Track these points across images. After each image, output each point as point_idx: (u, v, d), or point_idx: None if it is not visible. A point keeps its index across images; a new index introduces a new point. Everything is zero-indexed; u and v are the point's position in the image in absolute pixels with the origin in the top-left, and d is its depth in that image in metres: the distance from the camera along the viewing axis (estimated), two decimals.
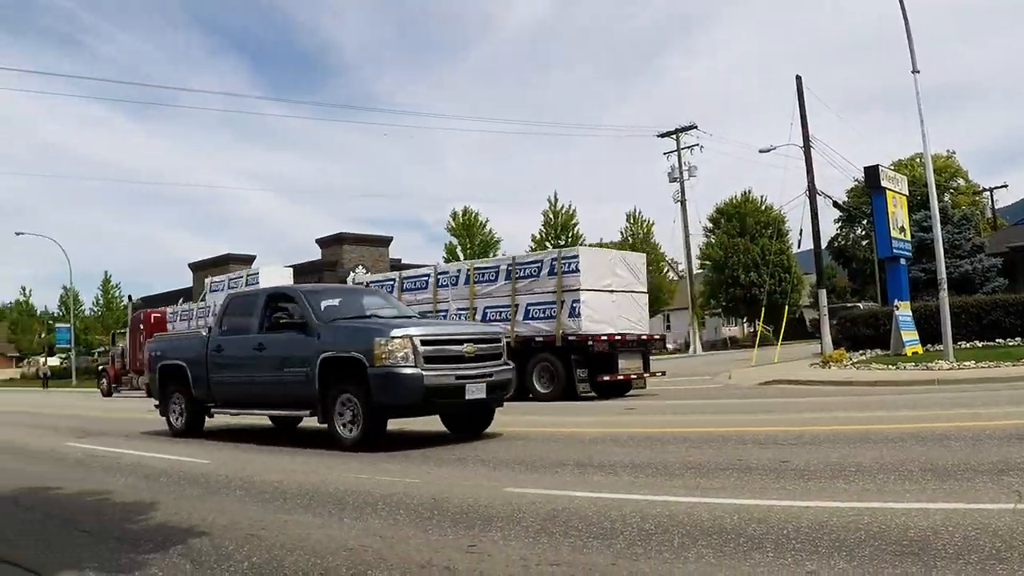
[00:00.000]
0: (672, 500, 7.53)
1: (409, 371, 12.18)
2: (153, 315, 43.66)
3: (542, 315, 24.16)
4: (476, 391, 12.85)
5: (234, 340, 15.27)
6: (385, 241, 66.22)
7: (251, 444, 14.75)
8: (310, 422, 14.25)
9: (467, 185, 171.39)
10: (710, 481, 8.46)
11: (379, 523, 7.40)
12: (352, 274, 57.82)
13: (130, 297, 68.65)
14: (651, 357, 26.53)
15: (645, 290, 26.28)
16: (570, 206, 65.93)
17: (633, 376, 23.98)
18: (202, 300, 40.17)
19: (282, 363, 13.97)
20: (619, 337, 23.60)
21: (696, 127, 58.64)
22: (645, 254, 31.83)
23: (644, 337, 25.01)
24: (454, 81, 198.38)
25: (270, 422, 17.88)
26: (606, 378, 23.14)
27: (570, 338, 23.31)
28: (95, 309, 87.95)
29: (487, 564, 5.73)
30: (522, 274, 25.04)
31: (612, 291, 24.47)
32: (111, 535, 7.46)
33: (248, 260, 71.87)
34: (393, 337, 12.26)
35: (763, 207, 69.15)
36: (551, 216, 65.51)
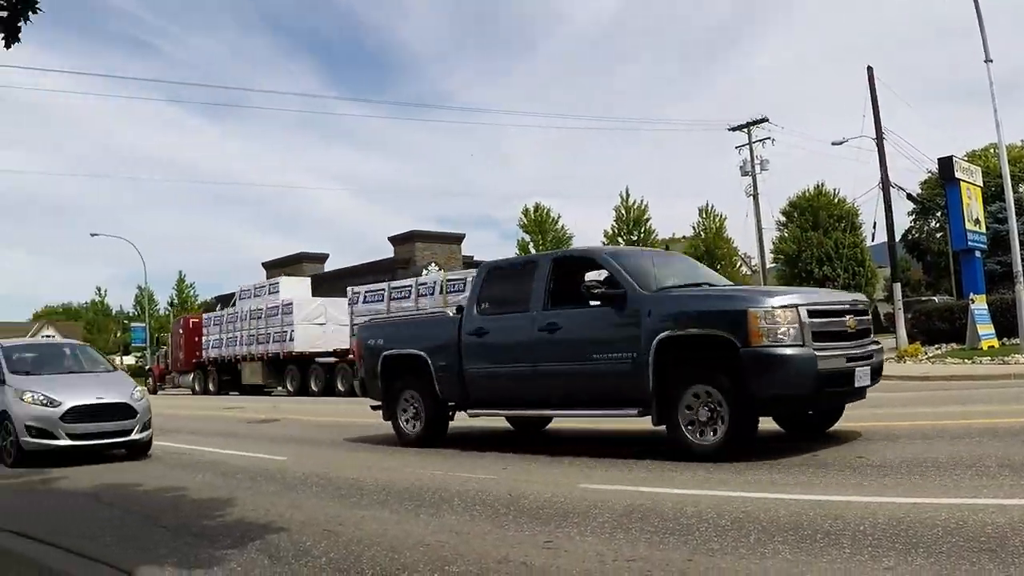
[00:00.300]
0: (748, 496, 7.51)
1: (799, 352, 9.41)
2: (191, 320, 46.90)
3: None
4: (863, 377, 10.18)
5: (505, 321, 12.22)
6: (457, 238, 66.21)
7: (326, 441, 14.90)
8: (379, 422, 13.84)
9: (538, 181, 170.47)
10: (785, 477, 8.41)
11: (455, 519, 7.48)
12: (425, 271, 58.12)
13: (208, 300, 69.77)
14: None
15: None
16: (642, 201, 65.42)
17: None
18: (232, 307, 42.45)
19: (589, 348, 10.98)
20: None
21: (768, 120, 57.80)
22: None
23: None
24: (523, 77, 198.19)
25: (508, 424, 15.03)
26: None
27: None
28: (170, 309, 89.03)
29: (563, 559, 5.77)
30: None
31: None
32: (189, 531, 7.62)
33: (321, 259, 72.50)
34: (775, 307, 9.54)
35: (836, 200, 68.13)
36: (623, 211, 65.05)
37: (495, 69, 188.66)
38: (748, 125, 57.14)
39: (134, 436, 13.64)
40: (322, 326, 35.58)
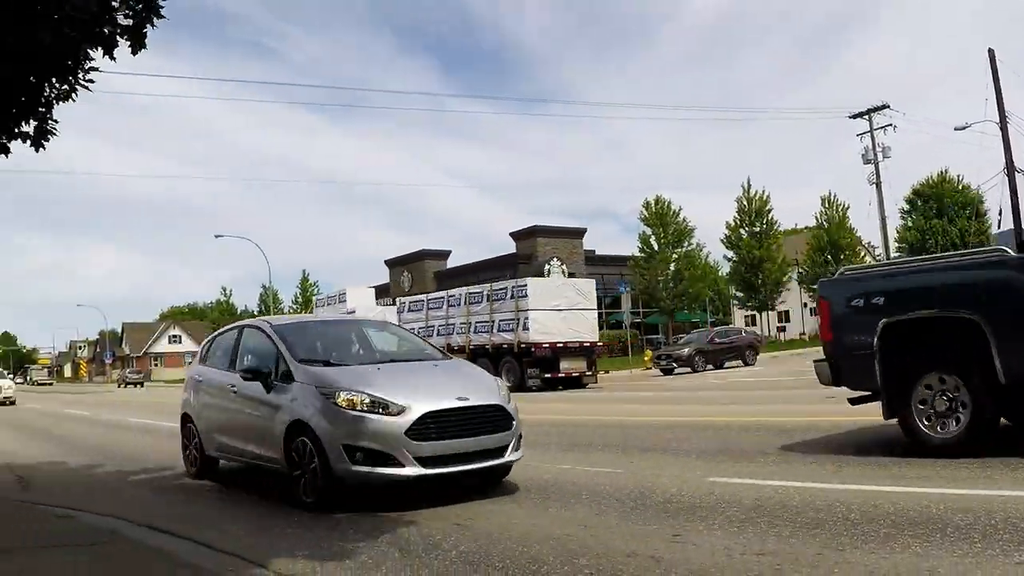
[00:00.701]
0: (877, 490, 7.45)
1: None
2: None
3: (508, 328, 31.67)
4: None
5: None
6: (579, 233, 66.23)
7: None
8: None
9: (657, 173, 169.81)
10: (916, 471, 8.31)
11: (584, 512, 7.56)
12: (547, 266, 58.36)
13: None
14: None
15: (593, 307, 32.96)
16: (763, 192, 64.55)
17: (575, 374, 31.07)
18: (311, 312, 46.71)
19: None
20: (561, 344, 30.80)
21: (888, 106, 56.50)
22: (594, 280, 37.55)
23: (587, 344, 31.86)
24: (642, 69, 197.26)
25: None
26: (547, 375, 30.58)
27: (523, 345, 30.84)
28: (294, 307, 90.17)
29: (692, 553, 5.81)
30: (496, 298, 32.49)
31: (560, 310, 31.15)
32: (320, 523, 7.80)
33: (443, 255, 73.11)
34: None
35: (960, 187, 66.50)
36: (744, 203, 64.29)
37: (613, 61, 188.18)
38: (869, 112, 55.92)
39: (508, 456, 8.85)
40: None
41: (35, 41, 6.08)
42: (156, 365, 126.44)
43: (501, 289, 32.79)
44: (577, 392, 28.94)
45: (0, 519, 8.66)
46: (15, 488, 11.67)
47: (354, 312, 36.77)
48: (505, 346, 31.52)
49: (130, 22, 6.91)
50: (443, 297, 35.71)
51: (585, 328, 31.84)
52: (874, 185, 55.40)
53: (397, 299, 38.70)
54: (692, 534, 6.39)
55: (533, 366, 30.52)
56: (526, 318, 30.58)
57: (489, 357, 30.70)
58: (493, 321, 32.16)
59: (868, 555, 5.44)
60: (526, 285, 31.73)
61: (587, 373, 31.73)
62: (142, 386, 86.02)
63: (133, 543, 7.37)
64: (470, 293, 34.19)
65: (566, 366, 30.88)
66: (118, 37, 6.89)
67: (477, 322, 33.03)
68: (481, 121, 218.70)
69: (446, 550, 6.43)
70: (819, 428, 12.23)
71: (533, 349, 30.42)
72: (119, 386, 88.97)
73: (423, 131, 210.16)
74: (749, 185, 64.75)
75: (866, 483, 7.83)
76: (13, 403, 44.16)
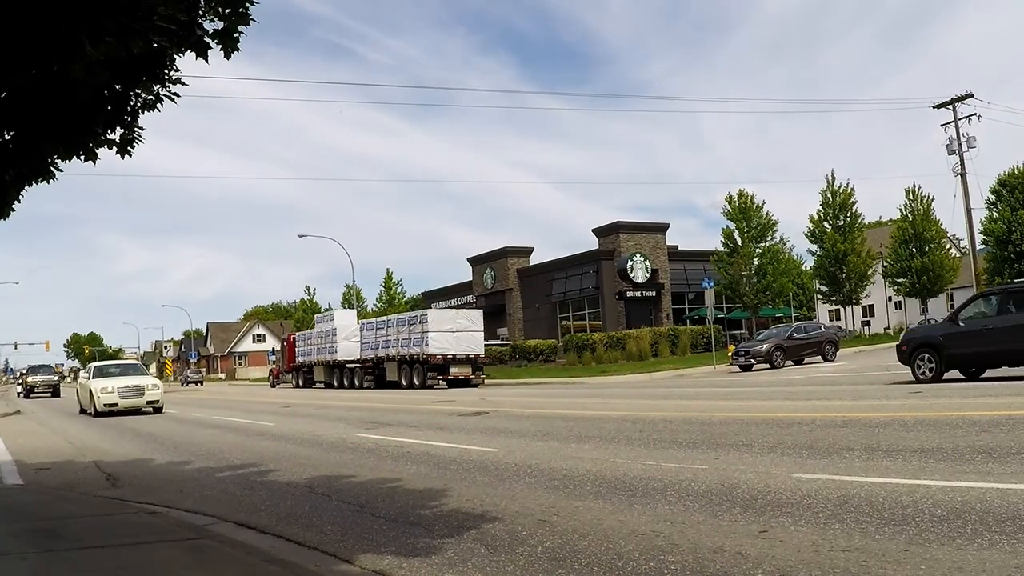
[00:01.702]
0: (964, 486, 7.40)
1: None
2: (292, 336, 66.14)
3: (417, 344, 43.97)
4: None
5: None
6: (661, 228, 65.51)
7: (532, 432, 15.20)
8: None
9: (739, 167, 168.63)
10: (1002, 466, 8.23)
11: (668, 508, 7.59)
12: (630, 262, 58.18)
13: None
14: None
15: (479, 330, 44.65)
16: (847, 184, 63.49)
17: (462, 376, 42.77)
18: (313, 327, 62.86)
19: None
20: (451, 356, 42.71)
21: (973, 95, 55.55)
22: (482, 311, 48.63)
23: (472, 356, 43.47)
24: (722, 63, 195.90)
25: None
26: (440, 378, 43.03)
27: (424, 356, 43.02)
28: (378, 305, 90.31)
29: (779, 549, 5.84)
30: (412, 322, 45.24)
31: (454, 331, 43.41)
32: (406, 520, 7.93)
33: (526, 252, 73.02)
34: None
35: None
36: (828, 196, 63.30)
37: (693, 56, 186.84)
38: (952, 101, 55.00)
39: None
40: (356, 343, 51.97)
41: (126, 49, 6.22)
42: (241, 364, 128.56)
43: (414, 316, 46.48)
44: (661, 388, 28.83)
45: (92, 516, 8.87)
46: (105, 485, 11.97)
47: (335, 329, 54.12)
48: (414, 356, 44.05)
49: (221, 24, 7.04)
50: (388, 320, 49.38)
51: (473, 344, 43.89)
52: (959, 176, 54.45)
53: (361, 320, 55.34)
54: (778, 530, 6.41)
55: (431, 371, 43.04)
56: (427, 337, 42.99)
57: (406, 363, 45.08)
58: (409, 339, 44.82)
59: (955, 552, 5.43)
60: (427, 314, 45.25)
61: (472, 376, 43.29)
62: (201, 384, 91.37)
63: (221, 539, 7.53)
64: (399, 318, 47.96)
65: (454, 371, 42.80)
66: (208, 40, 7.03)
67: (401, 339, 45.72)
68: (561, 118, 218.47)
69: (531, 545, 6.51)
70: (904, 424, 12.13)
71: (429, 359, 42.77)
72: (182, 385, 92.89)
73: (505, 128, 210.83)
74: (833, 178, 63.74)
75: (953, 479, 7.78)
76: (160, 410, 30.88)
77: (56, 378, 70.74)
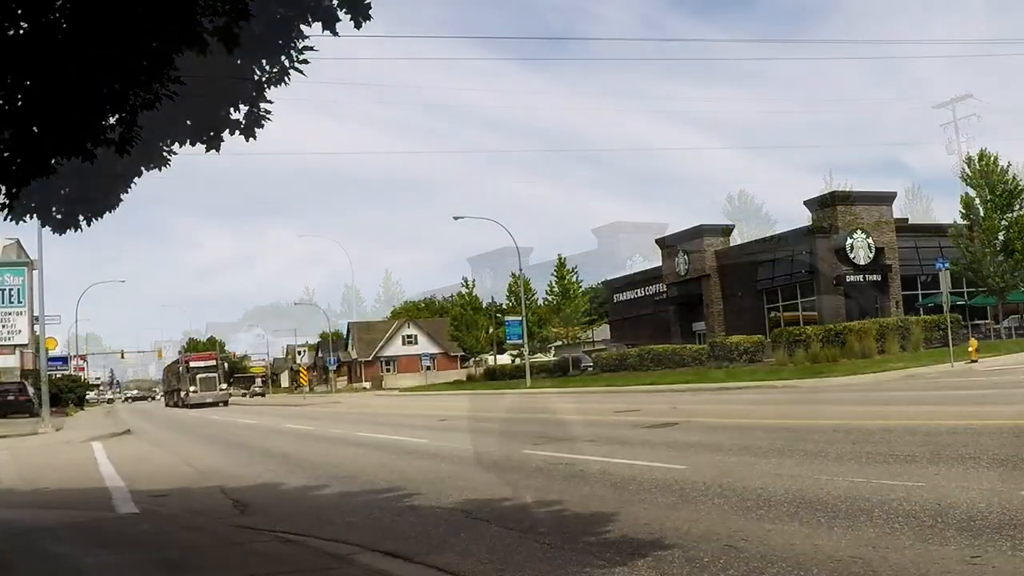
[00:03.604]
0: None
1: None
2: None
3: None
4: None
5: None
6: (886, 198, 59.47)
7: (731, 447, 14.68)
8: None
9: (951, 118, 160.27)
10: None
11: (873, 532, 7.37)
12: (850, 240, 53.41)
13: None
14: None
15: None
16: None
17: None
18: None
19: None
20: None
21: None
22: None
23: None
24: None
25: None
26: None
27: None
28: (549, 299, 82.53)
29: None
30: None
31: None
32: (573, 547, 7.86)
33: (726, 231, 67.62)
34: None
35: None
36: None
37: None
38: None
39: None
40: None
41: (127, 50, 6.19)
42: (389, 370, 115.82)
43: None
44: (886, 392, 27.54)
45: (218, 545, 9.12)
46: (232, 512, 12.06)
47: None
48: None
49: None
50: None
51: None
52: None
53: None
54: (994, 556, 6.15)
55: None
56: None
57: None
58: None
59: None
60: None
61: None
62: (263, 396, 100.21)
63: (366, 569, 7.60)
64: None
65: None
66: (338, 11, 7.01)
67: None
68: (726, 59, 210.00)
69: (712, 573, 6.40)
70: None
71: None
72: (249, 396, 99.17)
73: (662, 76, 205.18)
74: None
75: None
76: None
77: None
